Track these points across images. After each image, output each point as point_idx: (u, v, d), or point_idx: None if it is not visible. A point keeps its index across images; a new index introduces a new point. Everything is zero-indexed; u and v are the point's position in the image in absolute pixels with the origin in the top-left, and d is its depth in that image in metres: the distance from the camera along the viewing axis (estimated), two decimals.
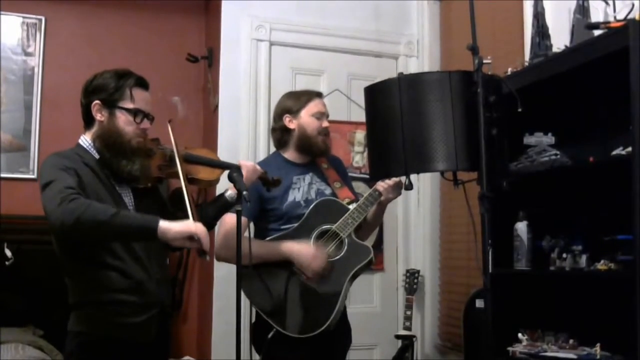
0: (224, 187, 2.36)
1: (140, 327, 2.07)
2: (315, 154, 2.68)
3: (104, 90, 2.10)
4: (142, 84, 2.16)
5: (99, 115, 2.11)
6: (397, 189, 2.60)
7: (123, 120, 2.10)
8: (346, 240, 2.54)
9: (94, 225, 1.86)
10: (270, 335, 2.45)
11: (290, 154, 2.71)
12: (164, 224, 1.90)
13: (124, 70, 2.15)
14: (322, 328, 2.45)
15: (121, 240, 2.03)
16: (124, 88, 2.10)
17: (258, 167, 2.37)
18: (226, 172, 2.26)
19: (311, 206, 2.58)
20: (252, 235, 2.63)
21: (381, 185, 2.59)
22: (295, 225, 2.56)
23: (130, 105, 2.10)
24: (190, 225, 1.93)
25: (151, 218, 1.93)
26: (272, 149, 3.58)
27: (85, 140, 2.14)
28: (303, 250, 2.49)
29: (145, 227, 1.91)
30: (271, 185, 2.41)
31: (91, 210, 1.87)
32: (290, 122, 2.68)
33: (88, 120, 2.15)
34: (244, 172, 2.26)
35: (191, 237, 1.92)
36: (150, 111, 2.16)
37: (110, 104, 2.10)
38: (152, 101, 2.19)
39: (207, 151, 2.43)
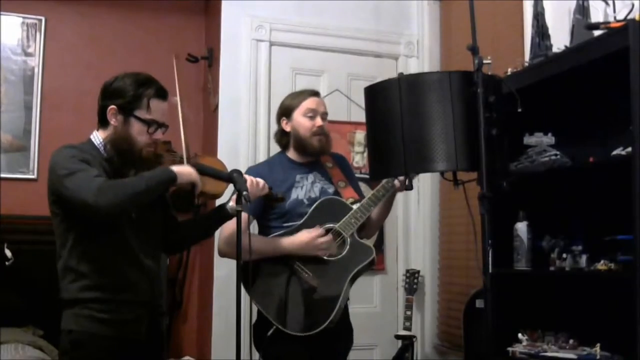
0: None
1: (133, 325, 2.09)
2: (310, 154, 2.68)
3: (122, 96, 2.09)
4: (162, 94, 2.14)
5: (114, 120, 2.10)
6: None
7: (136, 130, 2.10)
8: (348, 240, 2.55)
9: (136, 197, 1.99)
10: (269, 333, 2.45)
11: (292, 154, 2.71)
12: (176, 168, 2.08)
13: (146, 78, 2.14)
14: (322, 327, 2.45)
15: (156, 197, 2.13)
16: (143, 98, 2.09)
17: (266, 185, 2.37)
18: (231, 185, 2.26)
19: (314, 205, 2.58)
20: (254, 232, 2.65)
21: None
22: (298, 223, 2.57)
23: (146, 116, 2.10)
24: (192, 173, 2.11)
25: (165, 169, 2.08)
26: (272, 149, 3.60)
27: (97, 137, 2.14)
28: (302, 237, 2.49)
29: (168, 176, 2.05)
30: (274, 202, 2.43)
31: (128, 187, 1.98)
32: (286, 125, 2.68)
33: (103, 121, 2.15)
34: (252, 187, 2.26)
35: (191, 184, 2.11)
36: (165, 121, 2.16)
37: (127, 111, 2.09)
38: (172, 107, 2.22)
39: (215, 160, 2.44)
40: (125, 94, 2.08)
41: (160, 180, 2.04)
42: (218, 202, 2.49)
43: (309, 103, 2.66)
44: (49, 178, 2.04)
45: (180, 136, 2.24)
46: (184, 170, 2.10)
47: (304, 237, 2.50)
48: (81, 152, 2.05)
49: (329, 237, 2.51)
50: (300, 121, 2.64)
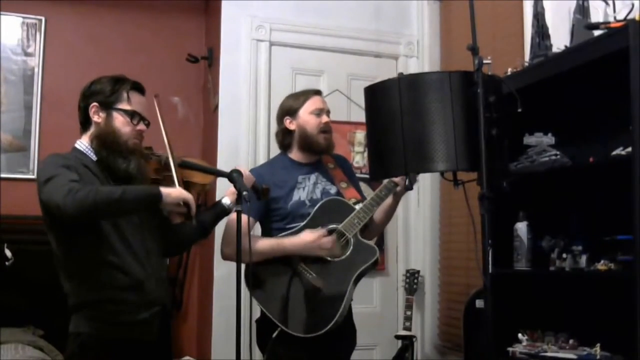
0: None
1: (142, 326, 2.09)
2: (317, 152, 2.68)
3: (102, 93, 2.15)
4: (139, 88, 2.21)
5: (97, 117, 2.14)
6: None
7: (120, 121, 2.14)
8: (352, 240, 2.54)
9: (110, 204, 1.93)
10: (274, 335, 2.45)
11: (294, 155, 2.71)
12: (164, 189, 2.03)
13: (120, 76, 2.21)
14: (327, 328, 2.44)
15: (134, 213, 2.10)
16: (121, 91, 2.16)
17: (251, 176, 2.38)
18: (220, 178, 2.28)
19: (317, 206, 2.58)
20: (257, 234, 2.64)
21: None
22: (301, 224, 2.56)
23: (127, 107, 2.15)
24: (183, 192, 2.07)
25: (152, 187, 2.07)
26: (272, 149, 3.60)
27: (82, 143, 2.17)
28: (305, 237, 2.49)
29: (153, 195, 2.01)
30: (259, 194, 2.40)
31: (102, 193, 1.93)
32: (290, 124, 2.68)
33: (85, 124, 2.18)
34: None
35: (182, 203, 2.05)
36: (146, 115, 2.20)
37: (108, 106, 2.14)
38: (150, 104, 2.23)
39: (199, 160, 2.47)
40: (104, 90, 2.15)
41: (139, 195, 2.01)
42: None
43: (316, 102, 2.68)
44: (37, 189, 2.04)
45: (163, 138, 2.24)
46: (172, 190, 2.06)
47: (307, 237, 2.50)
48: (64, 158, 2.06)
49: (333, 237, 2.51)
50: (307, 119, 2.65)
